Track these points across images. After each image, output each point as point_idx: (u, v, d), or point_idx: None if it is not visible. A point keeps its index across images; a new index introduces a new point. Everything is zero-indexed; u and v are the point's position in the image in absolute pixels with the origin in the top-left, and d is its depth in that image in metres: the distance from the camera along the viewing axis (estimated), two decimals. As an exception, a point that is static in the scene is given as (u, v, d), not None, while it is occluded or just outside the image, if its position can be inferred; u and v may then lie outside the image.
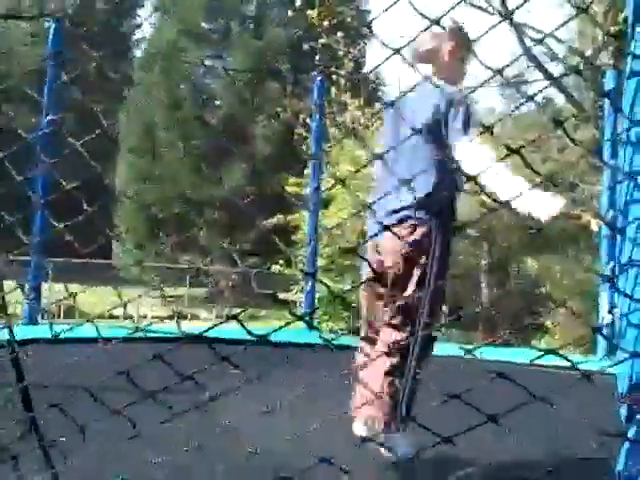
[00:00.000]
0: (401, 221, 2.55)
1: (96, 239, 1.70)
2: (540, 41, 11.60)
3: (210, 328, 1.24)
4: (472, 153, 2.48)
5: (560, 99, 15.88)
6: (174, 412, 1.32)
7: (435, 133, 2.54)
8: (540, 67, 12.11)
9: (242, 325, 1.14)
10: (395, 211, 2.57)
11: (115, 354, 1.64)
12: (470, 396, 1.03)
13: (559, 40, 11.41)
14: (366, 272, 2.92)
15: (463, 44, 2.77)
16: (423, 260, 2.53)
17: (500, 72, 0.96)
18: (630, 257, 1.15)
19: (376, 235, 2.50)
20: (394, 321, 2.59)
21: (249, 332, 1.15)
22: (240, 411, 2.58)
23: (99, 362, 1.65)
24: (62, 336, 1.55)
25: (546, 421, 2.68)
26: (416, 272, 2.55)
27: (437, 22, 1.16)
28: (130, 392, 1.30)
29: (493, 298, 12.12)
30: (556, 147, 12.52)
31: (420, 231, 2.54)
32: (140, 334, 1.55)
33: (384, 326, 2.62)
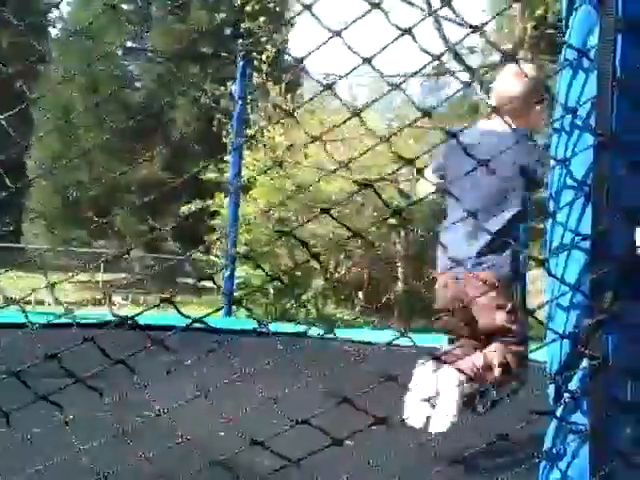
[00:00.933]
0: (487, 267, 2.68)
1: (5, 221, 1.67)
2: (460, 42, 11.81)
3: (140, 313, 1.25)
4: None
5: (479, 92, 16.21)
6: (102, 399, 1.32)
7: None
8: (459, 60, 12.34)
9: (178, 310, 1.15)
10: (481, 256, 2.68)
11: (34, 339, 1.62)
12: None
13: (480, 33, 11.60)
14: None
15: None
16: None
17: (435, 58, 1.00)
18: (561, 241, 1.21)
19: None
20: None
21: (186, 316, 1.16)
22: (169, 396, 2.57)
23: (19, 347, 1.62)
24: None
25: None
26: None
27: (377, 6, 1.18)
28: (57, 377, 1.29)
29: (409, 285, 12.34)
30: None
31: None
32: (63, 320, 1.54)
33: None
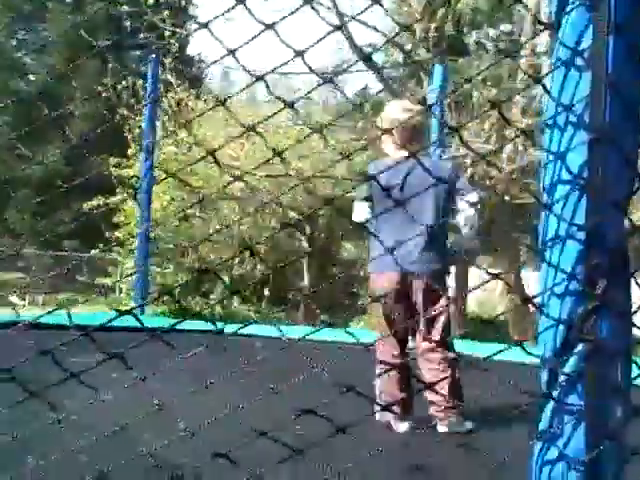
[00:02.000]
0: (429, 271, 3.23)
1: None
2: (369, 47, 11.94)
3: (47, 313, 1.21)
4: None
5: (377, 88, 16.46)
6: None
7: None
8: (363, 58, 12.50)
9: (137, 319, 1.13)
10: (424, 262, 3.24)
11: None
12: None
13: (379, 32, 11.80)
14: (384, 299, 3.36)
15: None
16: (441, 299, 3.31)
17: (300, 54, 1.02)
18: (556, 233, 1.29)
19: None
20: (438, 339, 3.28)
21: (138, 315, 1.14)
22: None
23: None
24: None
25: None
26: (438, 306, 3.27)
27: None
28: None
29: (314, 281, 12.44)
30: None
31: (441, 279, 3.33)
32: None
33: (430, 344, 3.28)
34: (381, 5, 1.26)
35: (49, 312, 1.33)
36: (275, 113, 1.50)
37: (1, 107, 21.05)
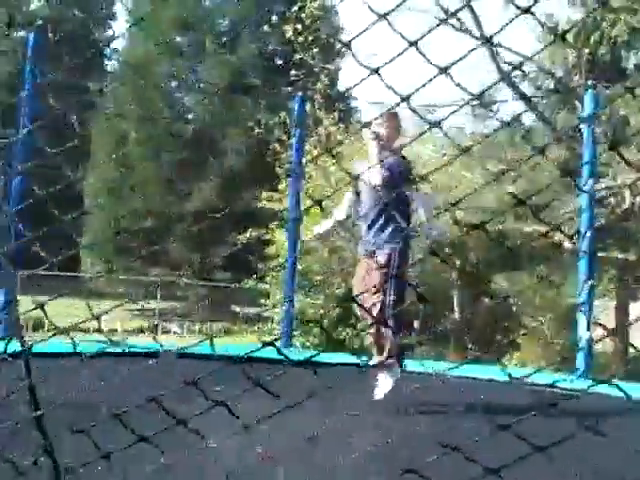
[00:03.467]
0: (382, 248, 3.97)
1: (64, 251, 1.64)
2: (516, 67, 11.69)
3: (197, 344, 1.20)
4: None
5: (530, 118, 16.02)
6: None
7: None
8: (512, 86, 12.23)
9: (279, 351, 1.10)
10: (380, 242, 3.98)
11: (100, 369, 1.57)
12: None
13: (529, 58, 11.52)
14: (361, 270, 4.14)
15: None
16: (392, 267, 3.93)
17: (478, 96, 0.95)
18: None
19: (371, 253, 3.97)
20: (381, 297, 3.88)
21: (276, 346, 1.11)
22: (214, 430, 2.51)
23: (88, 377, 1.58)
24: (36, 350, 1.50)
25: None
26: (391, 272, 3.91)
27: (414, 43, 1.14)
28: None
29: (464, 314, 12.15)
30: (527, 166, 12.61)
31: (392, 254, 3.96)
32: (112, 349, 1.50)
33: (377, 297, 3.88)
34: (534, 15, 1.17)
35: (200, 342, 1.32)
36: (422, 133, 1.44)
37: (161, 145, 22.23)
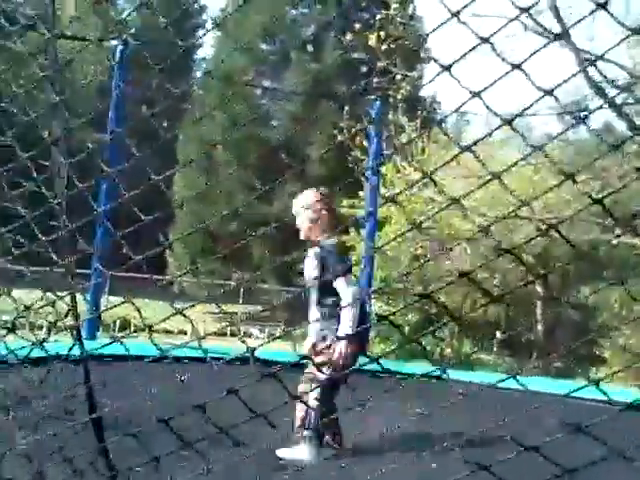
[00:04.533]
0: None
1: (151, 255, 1.71)
2: (592, 62, 11.38)
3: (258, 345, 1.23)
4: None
5: (621, 126, 15.56)
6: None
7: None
8: (601, 94, 11.92)
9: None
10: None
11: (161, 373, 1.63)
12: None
13: (621, 67, 11.21)
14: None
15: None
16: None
17: (549, 93, 0.95)
18: None
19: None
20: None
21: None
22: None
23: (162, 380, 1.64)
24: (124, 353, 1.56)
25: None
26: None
27: (487, 40, 1.15)
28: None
29: (548, 326, 11.89)
30: (616, 176, 12.25)
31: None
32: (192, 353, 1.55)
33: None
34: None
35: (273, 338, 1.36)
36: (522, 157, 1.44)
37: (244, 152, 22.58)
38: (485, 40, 1.20)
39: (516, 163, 1.32)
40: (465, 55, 1.26)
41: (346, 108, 11.87)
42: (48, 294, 1.77)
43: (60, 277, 1.78)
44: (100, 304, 6.07)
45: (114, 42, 5.90)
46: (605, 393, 1.10)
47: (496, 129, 1.26)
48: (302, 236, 4.25)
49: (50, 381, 1.81)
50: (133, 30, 30.72)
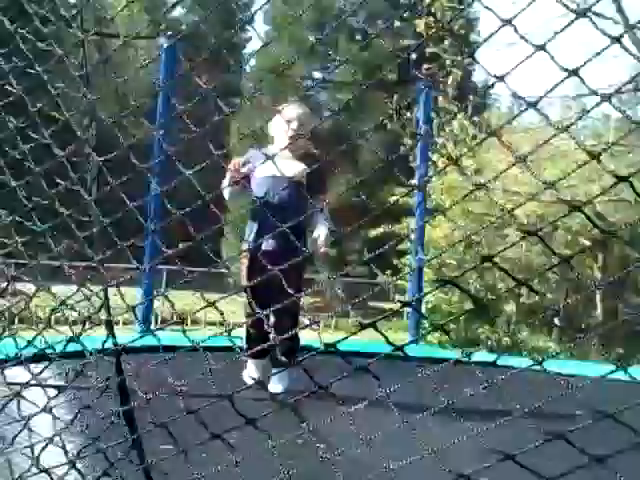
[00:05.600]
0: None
1: (206, 248, 1.73)
2: None
3: (345, 338, 1.25)
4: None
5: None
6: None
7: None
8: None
9: (383, 334, 1.14)
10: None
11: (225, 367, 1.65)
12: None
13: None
14: None
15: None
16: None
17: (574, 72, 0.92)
18: None
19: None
20: None
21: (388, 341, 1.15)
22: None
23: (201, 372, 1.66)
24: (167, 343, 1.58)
25: None
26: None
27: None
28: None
29: (608, 312, 11.66)
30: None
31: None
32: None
33: None
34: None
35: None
36: (515, 116, 1.40)
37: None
38: (507, 22, 1.17)
39: (550, 140, 1.29)
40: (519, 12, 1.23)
41: (395, 96, 11.79)
42: (83, 289, 1.81)
43: (96, 272, 1.82)
44: (153, 298, 6.14)
45: (161, 40, 5.97)
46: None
47: (520, 113, 1.23)
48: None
49: (86, 374, 1.86)
50: (184, 27, 31.03)
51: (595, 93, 1.18)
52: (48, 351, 1.93)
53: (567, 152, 10.93)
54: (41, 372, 1.98)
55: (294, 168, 3.95)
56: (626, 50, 1.12)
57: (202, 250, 1.74)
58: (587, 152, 1.14)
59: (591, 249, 10.89)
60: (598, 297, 11.83)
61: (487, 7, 1.27)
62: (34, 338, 1.95)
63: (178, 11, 37.37)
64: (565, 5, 1.20)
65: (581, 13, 1.12)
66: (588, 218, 1.18)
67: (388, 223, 11.75)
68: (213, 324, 13.24)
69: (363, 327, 1.21)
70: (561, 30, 1.19)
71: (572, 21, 1.17)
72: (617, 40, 1.12)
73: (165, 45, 5.80)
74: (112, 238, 1.81)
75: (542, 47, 1.13)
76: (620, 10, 10.48)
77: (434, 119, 9.83)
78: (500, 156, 10.85)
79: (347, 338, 1.32)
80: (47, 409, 1.90)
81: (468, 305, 10.41)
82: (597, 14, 10.64)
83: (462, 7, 14.43)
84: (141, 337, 1.70)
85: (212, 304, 1.57)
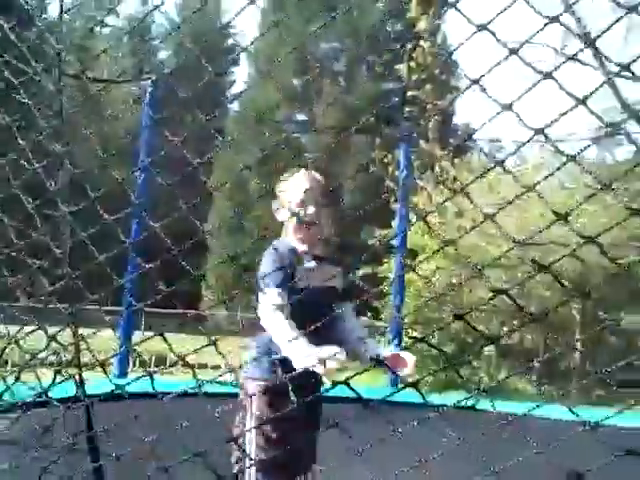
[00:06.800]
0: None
1: (186, 289, 1.74)
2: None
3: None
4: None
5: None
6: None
7: None
8: (636, 117, 11.79)
9: (354, 391, 1.15)
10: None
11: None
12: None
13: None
14: None
15: None
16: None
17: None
18: None
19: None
20: None
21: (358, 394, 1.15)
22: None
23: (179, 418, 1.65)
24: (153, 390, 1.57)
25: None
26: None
27: (515, 51, 1.16)
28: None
29: (587, 353, 11.69)
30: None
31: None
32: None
33: None
34: None
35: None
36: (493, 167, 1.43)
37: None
38: (514, 51, 1.21)
39: (535, 185, 1.32)
40: (492, 69, 1.27)
41: (377, 139, 11.94)
42: (53, 342, 1.77)
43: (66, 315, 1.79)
44: (132, 340, 6.08)
45: (145, 82, 6.03)
46: None
47: (508, 156, 1.26)
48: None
49: (56, 426, 1.80)
50: (167, 70, 31.30)
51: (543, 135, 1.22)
52: (16, 404, 1.87)
53: (544, 194, 11.04)
54: (7, 428, 1.94)
55: (329, 272, 2.72)
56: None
57: (182, 290, 1.74)
58: (554, 213, 1.18)
59: (568, 300, 10.93)
60: (577, 338, 11.87)
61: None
62: (3, 392, 1.89)
63: (163, 53, 37.74)
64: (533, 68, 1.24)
65: (548, 75, 1.17)
66: (551, 275, 1.20)
67: (370, 265, 11.78)
68: (191, 366, 13.09)
69: (334, 384, 1.20)
70: (531, 87, 1.23)
71: (538, 81, 1.22)
72: (583, 102, 1.16)
73: (149, 87, 5.86)
74: (88, 283, 1.79)
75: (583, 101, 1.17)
76: (597, 55, 10.71)
77: (415, 161, 9.94)
78: (480, 200, 10.95)
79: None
80: (12, 467, 1.86)
81: (447, 347, 10.42)
82: (580, 60, 10.88)
83: (443, 53, 14.70)
84: (112, 392, 1.63)
85: (213, 343, 1.57)
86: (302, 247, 2.67)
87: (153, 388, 1.58)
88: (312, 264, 2.66)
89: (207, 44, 33.35)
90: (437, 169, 11.89)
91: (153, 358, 14.81)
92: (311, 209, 2.71)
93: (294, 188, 2.74)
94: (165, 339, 1.67)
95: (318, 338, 2.16)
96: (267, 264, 2.65)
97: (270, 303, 2.49)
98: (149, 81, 5.91)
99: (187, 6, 35.32)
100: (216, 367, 13.48)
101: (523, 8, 1.30)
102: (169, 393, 1.55)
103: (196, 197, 1.76)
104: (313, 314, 2.15)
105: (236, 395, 2.66)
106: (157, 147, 5.96)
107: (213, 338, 1.56)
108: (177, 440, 1.44)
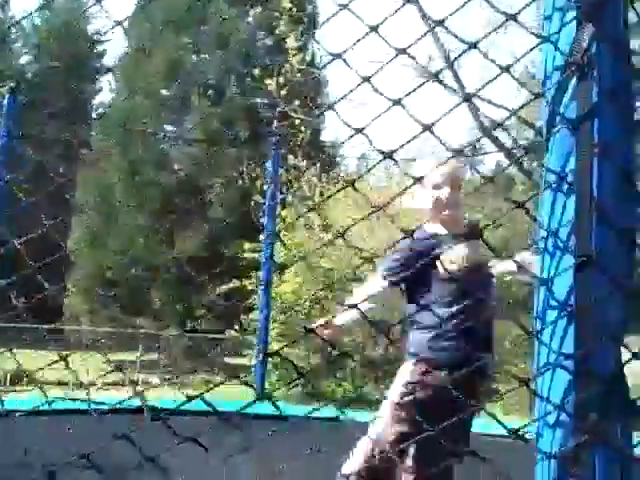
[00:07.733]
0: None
1: (46, 302, 1.70)
2: (498, 125, 11.96)
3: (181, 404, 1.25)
4: None
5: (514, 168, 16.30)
6: None
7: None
8: (492, 138, 12.48)
9: (212, 407, 1.16)
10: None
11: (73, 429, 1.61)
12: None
13: (509, 111, 11.78)
14: None
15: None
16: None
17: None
18: (547, 361, 1.22)
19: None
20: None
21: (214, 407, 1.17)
22: None
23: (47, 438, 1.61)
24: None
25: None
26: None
27: (398, 102, 1.23)
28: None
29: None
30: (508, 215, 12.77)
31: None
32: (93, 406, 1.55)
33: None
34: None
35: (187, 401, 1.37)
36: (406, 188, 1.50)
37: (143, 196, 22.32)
38: (366, 79, 1.27)
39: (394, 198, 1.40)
40: (377, 117, 1.33)
41: (246, 153, 11.97)
42: None
43: None
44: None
45: (4, 88, 5.79)
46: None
47: (369, 168, 1.33)
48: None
49: None
50: (29, 75, 30.08)
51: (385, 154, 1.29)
52: None
53: (409, 211, 11.46)
54: None
55: (476, 245, 2.76)
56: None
57: (45, 306, 1.71)
58: (402, 230, 1.25)
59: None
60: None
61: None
62: None
63: (24, 59, 36.17)
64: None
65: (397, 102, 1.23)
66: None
67: (238, 278, 11.76)
68: (51, 383, 12.60)
69: (189, 398, 1.21)
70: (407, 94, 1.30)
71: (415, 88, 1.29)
72: (428, 129, 1.25)
73: (7, 94, 5.63)
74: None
75: (398, 102, 1.23)
76: (457, 78, 11.24)
77: (283, 176, 10.05)
78: (347, 213, 11.22)
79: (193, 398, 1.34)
80: None
81: (315, 359, 10.55)
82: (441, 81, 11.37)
83: (312, 70, 14.94)
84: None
85: (64, 358, 1.54)
86: (443, 230, 2.77)
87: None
88: (461, 245, 2.73)
89: (72, 50, 32.29)
90: (304, 184, 12.06)
91: (9, 376, 14.14)
92: (446, 191, 2.79)
93: (432, 176, 2.82)
94: (14, 355, 1.62)
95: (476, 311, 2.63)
96: (393, 253, 2.76)
97: (369, 281, 2.82)
98: (7, 87, 5.69)
99: (51, 9, 34.07)
100: (78, 384, 13.02)
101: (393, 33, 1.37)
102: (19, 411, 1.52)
103: (59, 210, 1.73)
104: (472, 286, 2.71)
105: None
106: (18, 157, 5.74)
107: (65, 353, 1.54)
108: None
